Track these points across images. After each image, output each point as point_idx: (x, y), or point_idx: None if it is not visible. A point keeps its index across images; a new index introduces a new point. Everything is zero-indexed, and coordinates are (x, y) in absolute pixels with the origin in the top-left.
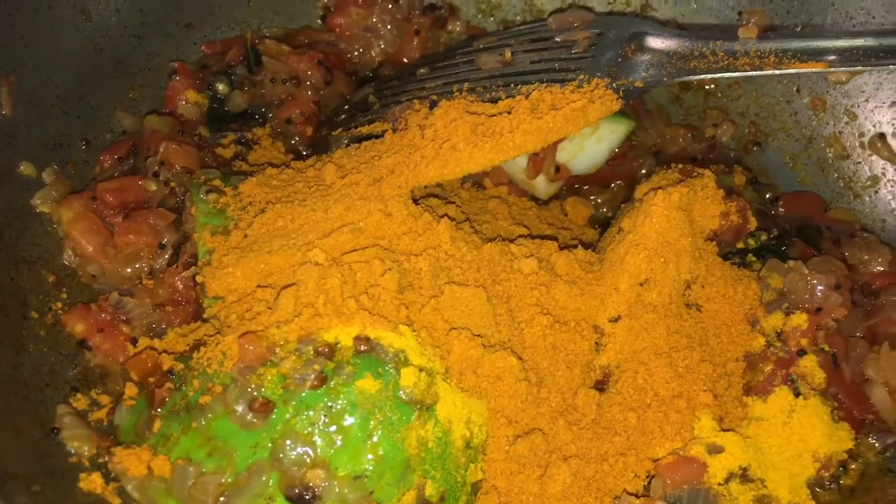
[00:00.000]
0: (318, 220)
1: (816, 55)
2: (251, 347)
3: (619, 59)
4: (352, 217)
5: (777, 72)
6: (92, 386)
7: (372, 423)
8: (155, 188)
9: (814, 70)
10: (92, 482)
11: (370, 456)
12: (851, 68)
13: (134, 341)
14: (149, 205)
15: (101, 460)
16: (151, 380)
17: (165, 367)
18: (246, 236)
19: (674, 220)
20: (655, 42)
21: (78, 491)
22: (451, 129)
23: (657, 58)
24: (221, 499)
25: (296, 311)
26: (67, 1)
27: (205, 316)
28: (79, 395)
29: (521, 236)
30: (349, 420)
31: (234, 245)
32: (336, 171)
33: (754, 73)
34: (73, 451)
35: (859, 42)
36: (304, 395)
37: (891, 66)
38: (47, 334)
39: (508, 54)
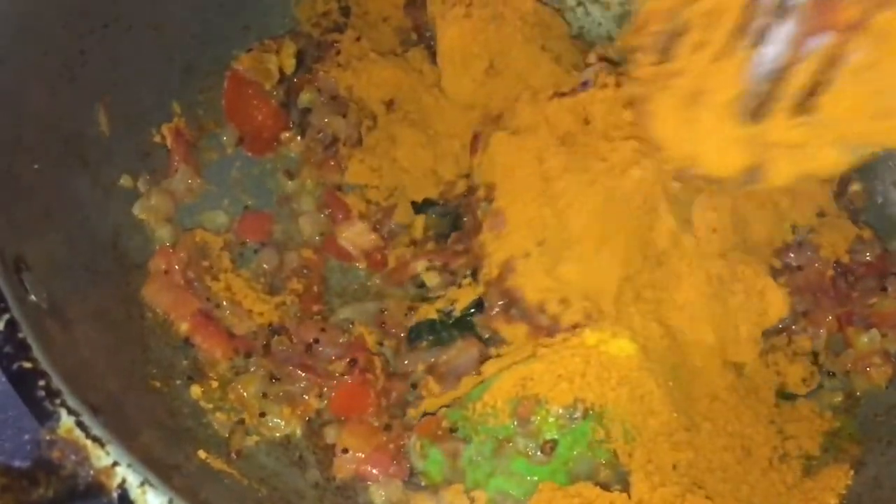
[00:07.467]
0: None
1: None
2: (522, 408)
3: None
4: None
5: None
6: (202, 377)
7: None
8: None
9: None
10: None
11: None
12: None
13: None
14: None
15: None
16: (439, 433)
17: (444, 424)
18: None
19: None
20: None
21: None
22: None
23: None
24: None
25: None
26: (144, 21)
27: None
28: (194, 387)
29: None
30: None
31: None
32: None
33: None
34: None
35: None
36: (575, 426)
37: None
38: (161, 331)
39: None
